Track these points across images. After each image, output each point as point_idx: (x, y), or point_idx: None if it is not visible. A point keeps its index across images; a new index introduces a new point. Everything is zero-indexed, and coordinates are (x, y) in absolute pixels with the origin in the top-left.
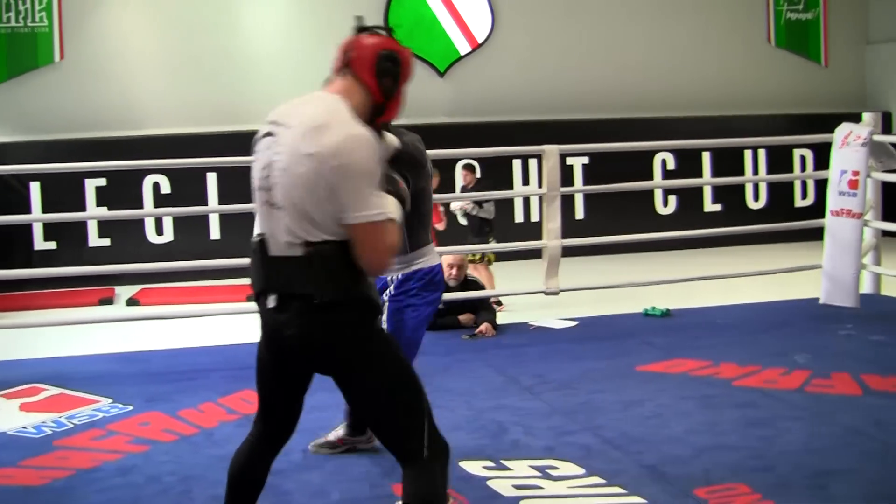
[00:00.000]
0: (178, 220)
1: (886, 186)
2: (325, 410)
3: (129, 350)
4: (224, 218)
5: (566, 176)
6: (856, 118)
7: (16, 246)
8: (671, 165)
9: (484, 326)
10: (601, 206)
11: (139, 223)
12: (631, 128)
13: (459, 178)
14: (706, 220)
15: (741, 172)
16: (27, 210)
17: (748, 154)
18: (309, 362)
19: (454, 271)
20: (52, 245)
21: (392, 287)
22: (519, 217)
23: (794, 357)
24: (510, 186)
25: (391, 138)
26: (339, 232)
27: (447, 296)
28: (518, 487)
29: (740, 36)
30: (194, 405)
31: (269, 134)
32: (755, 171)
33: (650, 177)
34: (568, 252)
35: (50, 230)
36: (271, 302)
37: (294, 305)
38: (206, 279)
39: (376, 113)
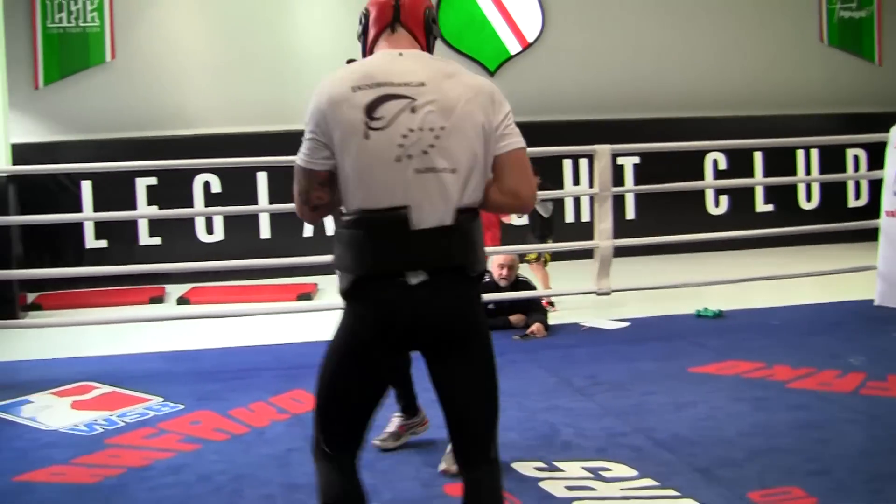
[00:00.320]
0: (228, 220)
1: None
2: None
3: (180, 349)
4: (274, 217)
5: (617, 176)
6: None
7: (67, 244)
8: (723, 165)
9: (535, 327)
10: (652, 206)
11: (190, 222)
12: (681, 127)
13: None
14: (758, 220)
15: (793, 172)
16: (78, 209)
17: (800, 154)
18: (436, 342)
19: (505, 272)
20: (103, 244)
21: None
22: (570, 217)
23: (849, 359)
24: (560, 186)
25: None
26: (479, 198)
27: (498, 296)
28: (571, 489)
29: (792, 35)
30: (245, 404)
31: (391, 97)
32: (808, 171)
33: (701, 177)
34: (619, 252)
35: (101, 229)
36: (415, 279)
37: (445, 280)
38: (256, 278)
39: None
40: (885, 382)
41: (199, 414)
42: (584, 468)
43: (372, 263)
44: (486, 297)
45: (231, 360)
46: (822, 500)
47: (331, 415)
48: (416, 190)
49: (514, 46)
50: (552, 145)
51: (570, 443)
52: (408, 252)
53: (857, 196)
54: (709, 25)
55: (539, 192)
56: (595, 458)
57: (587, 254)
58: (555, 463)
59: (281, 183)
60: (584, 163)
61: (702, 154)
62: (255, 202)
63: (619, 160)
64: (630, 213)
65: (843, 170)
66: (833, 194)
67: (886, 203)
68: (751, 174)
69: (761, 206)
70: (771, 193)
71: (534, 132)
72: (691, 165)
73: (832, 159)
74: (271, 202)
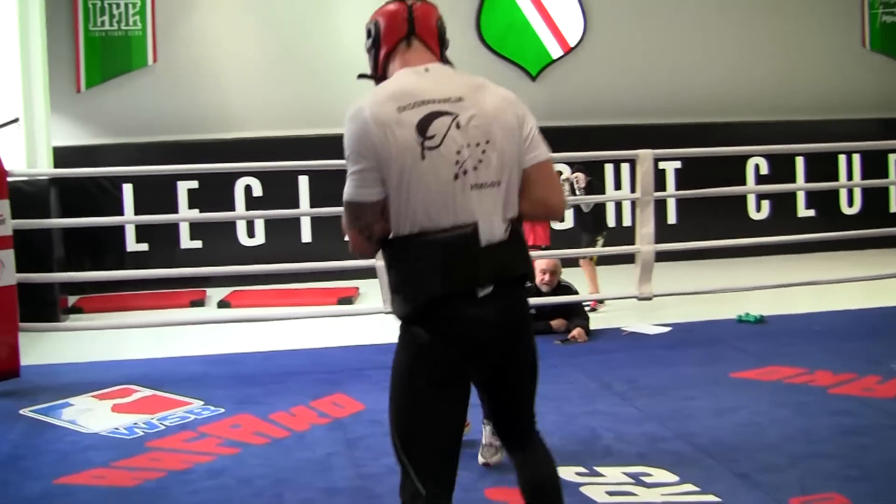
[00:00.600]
0: (269, 223)
1: None
2: None
3: (221, 352)
4: (315, 221)
5: (659, 180)
6: None
7: (108, 247)
8: (764, 170)
9: (576, 332)
10: (694, 211)
11: (231, 225)
12: (723, 132)
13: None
14: (800, 225)
15: (835, 177)
16: (120, 212)
17: (842, 159)
18: (502, 349)
19: (547, 276)
20: (144, 247)
21: None
22: (611, 221)
23: (891, 365)
24: (602, 191)
25: None
26: (518, 208)
27: (540, 301)
28: (611, 494)
29: (834, 39)
30: (286, 408)
31: (438, 114)
32: (849, 176)
33: (743, 181)
34: (661, 257)
35: (142, 232)
36: (482, 292)
37: (508, 290)
38: (297, 282)
39: None
40: None
41: (239, 418)
42: (624, 473)
43: (448, 283)
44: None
45: (271, 364)
46: None
47: (419, 446)
48: (476, 206)
49: (555, 51)
50: (594, 150)
51: (610, 448)
52: (478, 268)
53: None
54: (751, 31)
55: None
56: (636, 463)
57: (629, 258)
58: (595, 468)
59: (322, 186)
60: (625, 167)
61: (743, 159)
62: (296, 206)
63: (661, 165)
64: (672, 218)
65: (886, 175)
66: (875, 199)
67: None
68: (793, 179)
69: (803, 211)
70: (813, 198)
71: (575, 137)
72: (733, 170)
73: (874, 164)
74: (312, 206)
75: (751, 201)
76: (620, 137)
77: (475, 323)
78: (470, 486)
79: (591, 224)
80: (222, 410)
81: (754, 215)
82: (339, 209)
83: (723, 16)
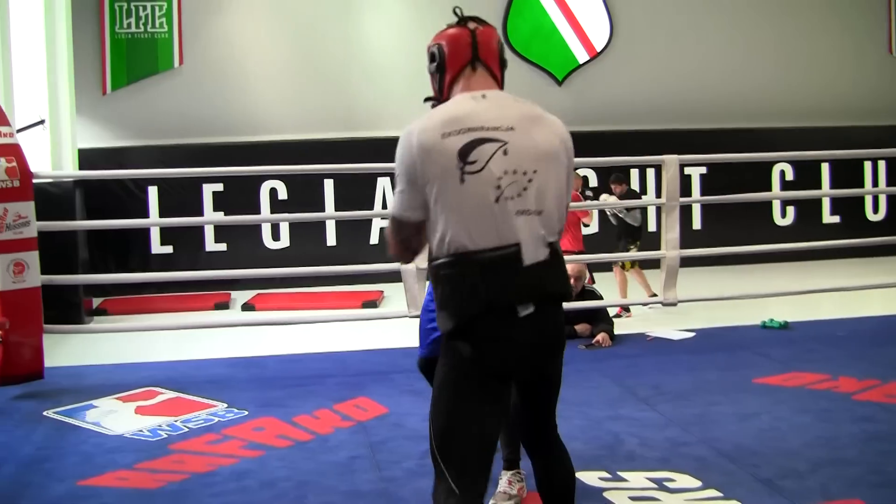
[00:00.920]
0: (294, 226)
1: None
2: None
3: (245, 355)
4: (340, 224)
5: (684, 186)
6: None
7: (133, 250)
8: (789, 176)
9: (601, 337)
10: (719, 217)
11: (256, 228)
12: (748, 138)
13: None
14: (825, 231)
15: (860, 184)
16: (145, 214)
17: (868, 165)
18: (537, 369)
19: (571, 282)
20: (168, 249)
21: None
22: None
23: None
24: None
25: None
26: (561, 232)
27: (564, 305)
28: (634, 499)
29: (861, 46)
30: (309, 411)
31: (484, 140)
32: (875, 183)
33: (768, 187)
34: (685, 262)
35: (167, 234)
36: (524, 311)
37: (547, 308)
38: (321, 285)
39: None
40: None
41: (263, 420)
42: (647, 478)
43: (491, 301)
44: None
45: (295, 367)
46: None
47: (457, 450)
48: (520, 229)
49: (582, 55)
50: (619, 155)
51: (633, 452)
52: (520, 287)
53: None
54: (776, 37)
55: (621, 203)
56: (659, 468)
57: (654, 263)
58: (619, 473)
59: (347, 190)
60: (651, 172)
61: (769, 165)
62: (321, 209)
63: (687, 170)
64: (696, 224)
65: None
66: None
67: None
68: (818, 185)
69: (828, 218)
70: (838, 205)
71: (601, 142)
72: (758, 176)
73: None
74: (337, 209)
75: (776, 207)
76: (646, 143)
77: (515, 344)
78: (490, 490)
79: (625, 232)
80: (246, 413)
81: (779, 221)
82: (364, 213)
83: (749, 22)
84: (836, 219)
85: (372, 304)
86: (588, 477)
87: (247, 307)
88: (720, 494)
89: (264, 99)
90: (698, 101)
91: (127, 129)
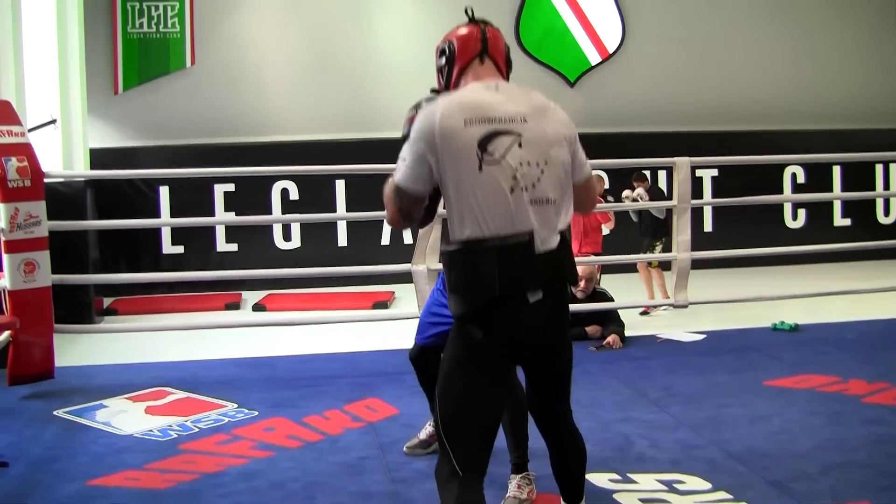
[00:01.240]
0: (305, 227)
1: None
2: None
3: (255, 355)
4: (351, 225)
5: (695, 188)
6: None
7: (144, 250)
8: (801, 179)
9: (611, 338)
10: (730, 219)
11: (267, 229)
12: (760, 140)
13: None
14: (836, 234)
15: (872, 187)
16: (156, 214)
17: (879, 168)
18: (545, 351)
19: (582, 283)
20: (179, 249)
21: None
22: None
23: None
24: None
25: None
26: (567, 220)
27: (575, 307)
28: (644, 501)
29: (873, 48)
30: (319, 412)
31: (501, 132)
32: (886, 186)
33: (779, 190)
34: (696, 265)
35: (178, 235)
36: (533, 297)
37: (555, 294)
38: (332, 286)
39: None
40: None
41: (273, 421)
42: (658, 480)
43: (503, 287)
44: None
45: (306, 368)
46: None
47: (463, 430)
48: (533, 218)
49: (594, 57)
50: (631, 157)
51: (644, 454)
52: (532, 274)
53: None
54: (788, 39)
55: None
56: (669, 470)
57: (665, 265)
58: (629, 475)
59: (359, 190)
60: (662, 174)
61: (780, 167)
62: (332, 210)
63: (698, 172)
64: (708, 226)
65: None
66: None
67: None
68: (829, 188)
69: (839, 221)
70: (849, 208)
71: (613, 143)
72: (770, 178)
73: None
74: (349, 210)
75: (787, 210)
76: (657, 144)
77: (525, 328)
78: (500, 492)
79: (650, 229)
80: (256, 413)
81: (790, 224)
82: (375, 214)
83: (761, 25)
84: (847, 221)
85: (383, 304)
86: (598, 479)
87: (257, 307)
88: (730, 497)
89: (276, 99)
90: (709, 103)
91: (138, 129)
